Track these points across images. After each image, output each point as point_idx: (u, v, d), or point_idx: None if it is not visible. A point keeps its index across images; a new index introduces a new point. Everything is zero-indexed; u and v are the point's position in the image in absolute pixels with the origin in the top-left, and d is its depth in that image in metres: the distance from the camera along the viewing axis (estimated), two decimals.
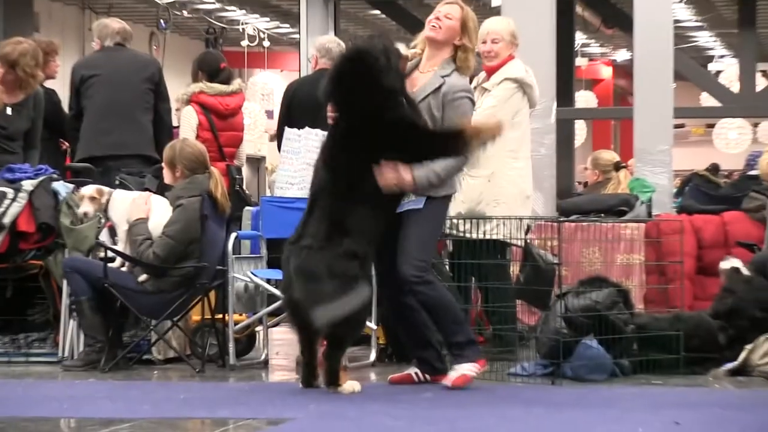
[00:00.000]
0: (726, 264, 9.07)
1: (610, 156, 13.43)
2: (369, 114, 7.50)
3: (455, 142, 7.57)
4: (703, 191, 10.70)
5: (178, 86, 10.88)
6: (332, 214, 7.48)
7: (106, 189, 9.13)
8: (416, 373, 7.93)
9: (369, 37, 7.93)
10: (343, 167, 7.53)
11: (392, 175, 7.51)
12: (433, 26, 7.87)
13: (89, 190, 9.09)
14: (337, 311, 7.27)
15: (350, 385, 7.49)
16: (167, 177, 9.08)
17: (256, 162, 29.50)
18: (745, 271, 8.92)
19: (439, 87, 7.72)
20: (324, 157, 7.67)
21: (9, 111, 9.87)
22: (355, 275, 7.38)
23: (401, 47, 7.74)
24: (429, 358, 7.90)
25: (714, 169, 19.49)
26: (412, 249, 7.65)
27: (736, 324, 8.70)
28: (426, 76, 7.83)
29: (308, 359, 7.65)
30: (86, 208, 9.03)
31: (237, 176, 10.39)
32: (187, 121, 10.27)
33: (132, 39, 10.78)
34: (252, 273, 9.02)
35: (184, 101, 10.36)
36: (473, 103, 7.93)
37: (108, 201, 9.04)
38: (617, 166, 12.79)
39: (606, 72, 31.79)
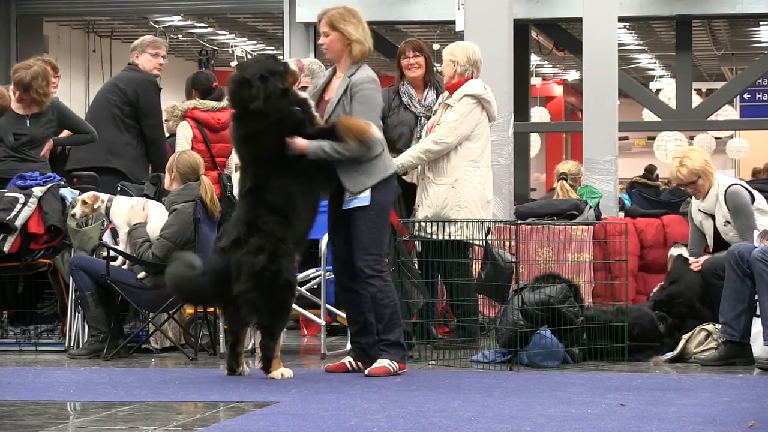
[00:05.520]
0: (675, 251, 9.06)
1: (560, 167, 13.48)
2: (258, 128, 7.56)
3: (332, 136, 7.56)
4: (645, 197, 10.73)
5: (174, 102, 10.83)
6: (247, 216, 7.53)
7: (103, 196, 9.13)
8: (350, 362, 7.87)
9: (253, 60, 7.91)
10: (253, 175, 7.58)
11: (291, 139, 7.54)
12: (324, 49, 7.83)
13: (84, 195, 9.12)
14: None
15: (279, 371, 7.49)
16: (166, 182, 9.09)
17: None
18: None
19: (347, 87, 7.72)
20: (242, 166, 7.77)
21: (28, 123, 9.79)
22: (261, 268, 7.37)
23: (291, 62, 7.68)
24: (366, 346, 7.83)
25: (649, 171, 19.53)
26: (366, 245, 7.62)
27: (676, 310, 8.71)
28: (338, 81, 7.81)
29: (233, 345, 7.69)
30: (76, 210, 9.08)
31: (228, 183, 10.35)
32: (182, 134, 10.23)
33: (166, 49, 10.69)
34: None
35: (179, 116, 10.32)
36: (377, 88, 7.77)
37: (102, 206, 9.06)
38: (558, 177, 12.83)
39: (558, 90, 31.88)
